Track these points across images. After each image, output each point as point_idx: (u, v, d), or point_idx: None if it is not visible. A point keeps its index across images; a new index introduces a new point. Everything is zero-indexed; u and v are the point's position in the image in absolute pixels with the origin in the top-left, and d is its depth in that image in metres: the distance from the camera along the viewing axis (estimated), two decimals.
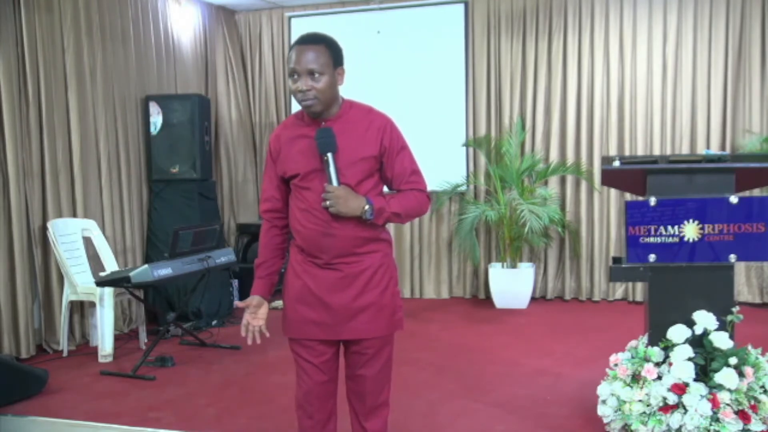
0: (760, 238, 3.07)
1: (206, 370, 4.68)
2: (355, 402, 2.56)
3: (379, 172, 2.46)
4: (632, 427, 3.05)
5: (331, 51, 2.35)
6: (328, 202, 2.32)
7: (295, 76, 2.33)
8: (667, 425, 2.99)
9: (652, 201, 3.13)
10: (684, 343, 3.06)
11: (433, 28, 6.67)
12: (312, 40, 2.35)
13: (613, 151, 6.33)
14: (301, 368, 2.50)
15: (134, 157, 5.96)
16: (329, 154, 2.33)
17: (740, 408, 2.94)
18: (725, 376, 2.95)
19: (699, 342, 3.06)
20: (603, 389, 3.24)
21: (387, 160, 2.43)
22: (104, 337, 4.90)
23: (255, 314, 2.48)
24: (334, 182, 2.33)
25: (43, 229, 5.05)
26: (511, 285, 6.29)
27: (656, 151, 6.25)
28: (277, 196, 2.52)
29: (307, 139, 2.39)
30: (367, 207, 2.35)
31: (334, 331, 2.44)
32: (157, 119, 6.02)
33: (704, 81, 6.12)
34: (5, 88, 4.78)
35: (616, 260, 3.40)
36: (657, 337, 3.15)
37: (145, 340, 5.29)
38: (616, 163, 3.21)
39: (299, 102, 2.37)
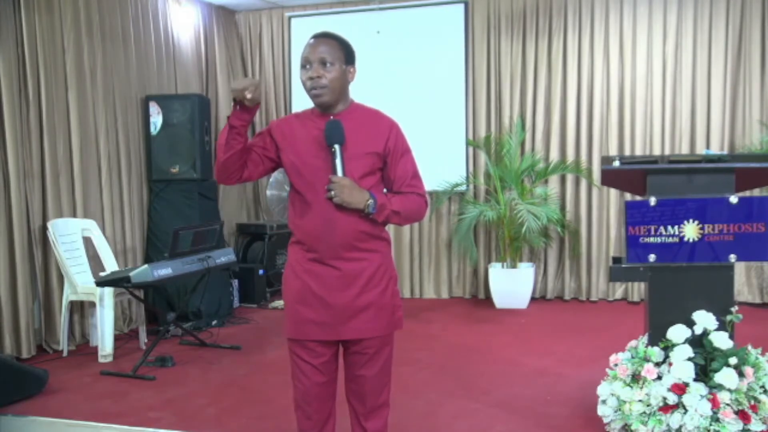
0: (760, 238, 3.07)
1: (206, 370, 4.68)
2: (355, 403, 2.55)
3: (381, 171, 2.47)
4: (632, 427, 3.05)
5: (343, 48, 2.42)
6: (332, 192, 2.33)
7: (308, 66, 2.38)
8: (667, 425, 2.99)
9: (652, 201, 3.13)
10: (684, 343, 3.06)
11: (433, 28, 6.66)
12: (327, 35, 2.42)
13: (613, 151, 6.34)
14: (298, 369, 2.49)
15: (134, 157, 5.96)
16: (337, 146, 2.35)
17: (740, 408, 2.95)
18: (725, 376, 2.96)
19: (699, 342, 3.06)
20: (603, 389, 3.24)
21: (390, 161, 2.45)
22: (104, 337, 4.91)
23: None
24: (340, 173, 2.34)
25: (43, 229, 5.04)
26: (511, 285, 6.29)
27: (656, 151, 6.25)
28: (255, 159, 2.53)
29: (315, 131, 2.41)
30: (370, 201, 2.35)
31: (335, 331, 2.43)
32: (157, 119, 6.02)
33: (704, 81, 6.13)
34: (5, 88, 4.77)
35: (616, 260, 3.40)
36: (657, 337, 3.15)
37: (145, 340, 5.29)
38: (616, 163, 3.21)
39: (309, 91, 2.39)
